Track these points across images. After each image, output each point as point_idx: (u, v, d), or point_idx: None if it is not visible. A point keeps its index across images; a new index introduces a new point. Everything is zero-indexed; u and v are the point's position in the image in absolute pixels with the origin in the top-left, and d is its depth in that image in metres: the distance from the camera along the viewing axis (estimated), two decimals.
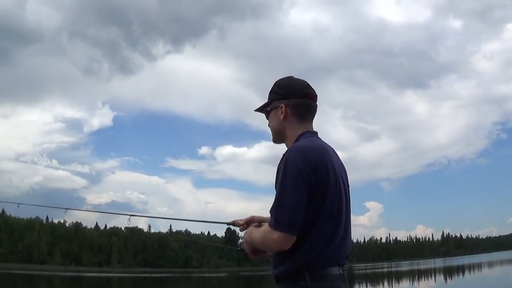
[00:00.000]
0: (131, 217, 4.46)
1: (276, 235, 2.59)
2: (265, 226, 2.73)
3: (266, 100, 3.02)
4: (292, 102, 2.87)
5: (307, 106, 2.91)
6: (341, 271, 2.72)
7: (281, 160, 2.73)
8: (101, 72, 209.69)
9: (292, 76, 3.00)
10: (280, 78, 3.02)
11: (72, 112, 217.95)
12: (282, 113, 2.88)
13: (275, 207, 2.63)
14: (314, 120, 2.97)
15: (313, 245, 2.63)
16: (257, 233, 2.82)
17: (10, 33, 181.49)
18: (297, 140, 2.82)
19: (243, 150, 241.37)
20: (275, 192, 2.69)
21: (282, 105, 2.88)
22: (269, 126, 3.02)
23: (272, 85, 3.01)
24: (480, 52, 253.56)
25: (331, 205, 2.66)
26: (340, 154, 2.94)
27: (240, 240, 3.27)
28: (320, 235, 2.64)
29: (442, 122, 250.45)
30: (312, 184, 2.60)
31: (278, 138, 2.99)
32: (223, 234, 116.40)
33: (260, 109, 3.05)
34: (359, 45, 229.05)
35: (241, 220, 3.23)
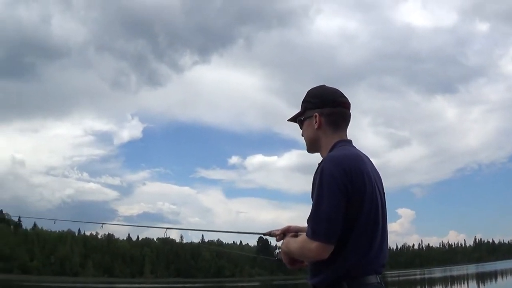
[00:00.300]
0: (167, 230, 4.65)
1: (314, 244, 2.61)
2: (303, 236, 2.74)
3: (296, 108, 3.05)
4: (325, 111, 2.88)
5: (341, 114, 2.92)
6: (378, 279, 2.72)
7: (316, 170, 2.73)
8: (129, 85, 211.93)
9: (324, 85, 3.03)
10: (312, 87, 3.02)
11: (101, 125, 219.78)
12: (316, 122, 2.88)
13: (312, 217, 2.65)
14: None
15: (351, 254, 2.63)
16: (294, 243, 2.84)
17: (37, 49, 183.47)
18: (331, 149, 2.84)
19: (273, 158, 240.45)
20: (311, 201, 2.71)
21: (316, 114, 2.89)
22: (302, 135, 3.03)
23: (305, 95, 3.02)
24: (508, 55, 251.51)
25: (368, 214, 2.67)
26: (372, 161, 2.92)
27: (277, 250, 3.14)
28: (357, 244, 2.64)
29: (472, 126, 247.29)
30: (349, 193, 2.61)
31: (312, 147, 3.00)
32: (255, 244, 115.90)
33: (293, 119, 3.06)
34: (387, 50, 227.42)
35: (277, 230, 3.21)
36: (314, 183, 2.70)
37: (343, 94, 2.95)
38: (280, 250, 3.03)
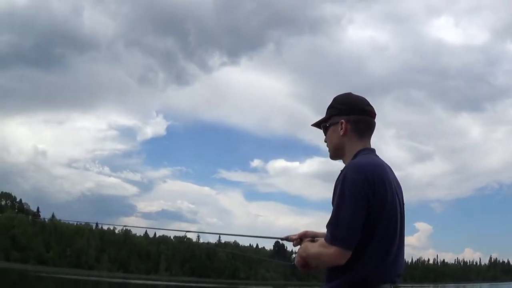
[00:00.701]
0: (187, 233, 4.08)
1: (332, 250, 2.62)
2: (321, 241, 2.75)
3: (322, 116, 3.05)
4: (352, 118, 2.88)
5: (367, 123, 2.92)
6: None
7: (338, 177, 2.74)
8: (156, 82, 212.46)
9: (351, 93, 3.04)
10: (339, 94, 3.04)
11: (125, 120, 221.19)
12: (342, 129, 2.89)
13: (332, 222, 2.67)
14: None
15: (368, 261, 2.64)
16: (312, 248, 2.84)
17: (67, 40, 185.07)
18: (355, 156, 2.84)
19: (295, 164, 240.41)
20: (330, 208, 2.74)
21: (343, 121, 2.88)
22: (325, 141, 3.04)
23: (331, 101, 3.03)
24: None
25: (387, 223, 2.69)
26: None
27: (294, 255, 3.06)
28: (375, 252, 2.65)
29: (496, 146, 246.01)
30: (370, 201, 2.63)
31: (336, 154, 3.00)
32: (271, 248, 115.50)
33: (317, 124, 3.06)
34: (416, 64, 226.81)
35: (294, 235, 3.20)
36: (336, 189, 2.71)
37: (369, 103, 2.95)
38: (297, 254, 2.98)
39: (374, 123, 2.96)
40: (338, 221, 2.60)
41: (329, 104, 3.00)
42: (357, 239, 2.59)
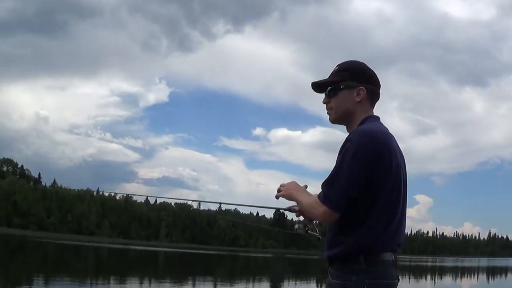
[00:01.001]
0: (180, 195, 4.16)
1: (322, 209, 2.64)
2: (314, 197, 2.73)
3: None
4: (370, 88, 2.86)
5: (377, 95, 2.92)
6: (393, 258, 2.71)
7: (344, 142, 2.69)
8: (160, 48, 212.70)
9: (364, 63, 2.96)
10: (354, 60, 2.97)
11: (128, 87, 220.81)
12: (359, 95, 2.83)
13: (328, 182, 2.66)
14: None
15: (371, 229, 2.62)
16: (306, 199, 2.82)
17: (70, 6, 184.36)
18: (361, 123, 2.81)
19: (297, 133, 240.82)
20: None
21: (363, 87, 2.83)
22: (327, 103, 2.93)
23: (344, 65, 2.93)
24: None
25: (391, 191, 2.66)
26: None
27: (296, 226, 3.07)
28: (378, 219, 2.63)
29: (499, 121, 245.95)
30: (374, 168, 2.60)
31: (342, 119, 2.92)
32: (272, 216, 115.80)
33: (326, 83, 2.92)
34: (421, 37, 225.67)
35: (297, 206, 3.05)
36: (340, 153, 2.67)
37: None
38: (298, 225, 3.04)
39: (380, 95, 2.98)
40: (334, 182, 2.61)
41: (340, 67, 2.92)
42: (349, 203, 2.59)
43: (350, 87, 2.84)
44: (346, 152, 2.61)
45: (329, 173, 2.68)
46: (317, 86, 2.96)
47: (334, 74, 2.90)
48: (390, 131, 2.82)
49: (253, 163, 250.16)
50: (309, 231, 3.02)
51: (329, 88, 2.89)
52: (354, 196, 2.58)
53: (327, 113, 2.95)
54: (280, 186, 3.00)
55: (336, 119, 2.92)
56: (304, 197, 2.85)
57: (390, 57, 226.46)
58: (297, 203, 2.93)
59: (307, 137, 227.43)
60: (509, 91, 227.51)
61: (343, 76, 2.86)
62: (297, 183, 3.00)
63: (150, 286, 21.84)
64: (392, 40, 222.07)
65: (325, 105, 2.95)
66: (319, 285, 26.80)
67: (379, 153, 2.60)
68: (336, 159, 2.69)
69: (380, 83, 2.93)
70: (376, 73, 2.94)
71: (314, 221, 3.02)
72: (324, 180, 2.68)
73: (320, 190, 2.69)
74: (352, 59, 2.98)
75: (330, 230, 2.77)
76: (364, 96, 2.83)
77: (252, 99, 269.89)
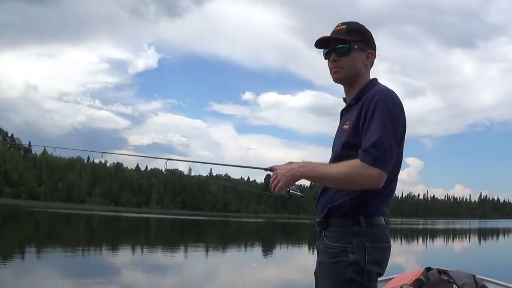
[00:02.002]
0: (169, 161, 4.44)
1: (375, 171, 2.50)
2: (354, 161, 2.55)
3: (316, 49, 2.89)
4: (375, 53, 2.87)
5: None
6: (384, 221, 2.72)
7: (367, 101, 2.63)
8: (148, 14, 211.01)
9: None
10: (359, 23, 2.91)
11: (117, 53, 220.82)
12: (368, 59, 2.84)
13: (374, 144, 2.52)
14: None
15: (372, 191, 2.58)
16: (339, 168, 2.59)
17: None
18: (367, 85, 2.78)
19: (287, 97, 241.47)
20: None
21: (372, 51, 2.85)
22: (334, 60, 2.81)
23: (355, 26, 2.86)
24: None
25: (401, 151, 2.70)
26: None
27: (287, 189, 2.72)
28: (387, 180, 2.57)
29: (488, 83, 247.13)
30: (400, 126, 2.62)
31: (349, 78, 2.83)
32: (263, 180, 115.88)
33: (343, 41, 2.79)
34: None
35: (279, 166, 2.79)
36: (367, 113, 2.59)
37: None
38: (290, 188, 2.70)
39: None
40: (381, 143, 2.51)
41: (350, 27, 2.83)
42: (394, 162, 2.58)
43: (361, 49, 2.81)
44: (380, 111, 2.57)
45: (350, 135, 2.64)
46: (324, 41, 2.85)
47: (343, 33, 2.81)
48: None
49: (243, 127, 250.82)
50: (290, 191, 2.73)
51: (340, 46, 2.81)
52: (396, 153, 2.59)
53: (334, 70, 2.83)
54: (274, 175, 2.69)
55: (343, 78, 2.85)
56: (333, 167, 2.64)
57: (379, 20, 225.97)
58: (321, 180, 2.68)
59: (296, 101, 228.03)
60: (498, 53, 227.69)
61: (355, 36, 2.81)
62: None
63: (142, 253, 21.93)
64: (381, 2, 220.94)
65: (326, 61, 2.87)
66: (311, 249, 27.00)
67: (403, 112, 2.64)
68: (360, 118, 2.62)
69: None
70: None
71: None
72: (364, 139, 2.56)
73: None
74: (354, 20, 2.91)
75: (323, 193, 2.75)
76: (371, 61, 2.85)
77: (241, 63, 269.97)
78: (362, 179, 2.52)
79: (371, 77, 2.86)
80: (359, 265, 2.55)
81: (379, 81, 2.82)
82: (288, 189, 2.72)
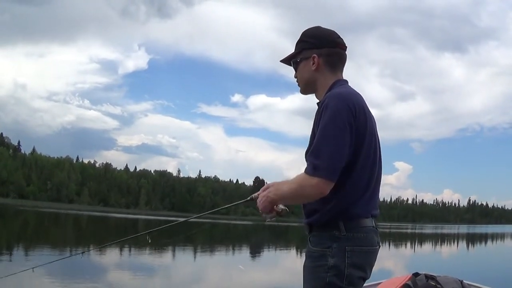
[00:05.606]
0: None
1: (315, 180, 2.50)
2: (299, 175, 2.59)
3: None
4: (324, 51, 2.80)
5: (339, 55, 2.85)
6: (374, 223, 2.69)
7: (319, 108, 2.64)
8: (138, 15, 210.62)
9: (320, 26, 2.93)
10: (309, 28, 2.91)
11: (107, 53, 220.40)
12: (314, 63, 2.80)
13: (314, 152, 2.54)
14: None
15: (349, 194, 2.60)
16: (286, 185, 2.65)
17: None
18: (330, 88, 2.76)
19: (276, 100, 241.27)
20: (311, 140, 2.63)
21: (314, 55, 2.79)
22: (296, 77, 2.92)
23: (300, 35, 2.91)
24: None
25: (367, 153, 2.64)
26: (374, 112, 2.82)
27: (264, 215, 2.76)
28: (355, 184, 2.61)
29: (478, 88, 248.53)
30: (352, 130, 2.55)
31: (307, 89, 2.91)
32: (251, 184, 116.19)
33: (287, 60, 2.93)
34: (401, 3, 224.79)
35: (258, 193, 2.84)
36: (316, 120, 2.62)
37: (339, 36, 2.87)
38: (265, 215, 2.74)
39: (346, 55, 2.89)
40: (320, 151, 2.51)
41: (299, 39, 2.89)
42: (340, 169, 2.52)
43: (305, 57, 2.82)
44: (323, 118, 2.55)
45: (310, 143, 2.62)
46: (286, 63, 2.95)
47: (296, 46, 2.90)
48: (370, 98, 2.85)
49: (232, 130, 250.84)
50: (278, 210, 2.71)
51: (292, 63, 2.91)
52: (343, 160, 2.52)
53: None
54: (258, 205, 2.73)
55: (302, 91, 2.94)
56: (285, 184, 2.68)
57: (369, 23, 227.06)
58: (283, 198, 2.67)
59: (286, 104, 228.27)
60: (488, 57, 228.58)
61: (299, 47, 2.87)
62: (270, 184, 2.78)
63: (130, 254, 21.84)
64: (372, 5, 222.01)
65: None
66: (298, 252, 27.01)
67: (354, 114, 2.56)
68: (312, 126, 2.66)
69: (343, 41, 2.85)
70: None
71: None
72: (307, 151, 2.60)
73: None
74: (330, 27, 2.91)
75: None
76: (319, 63, 2.79)
77: (230, 65, 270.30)
78: (305, 190, 2.54)
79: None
80: (339, 268, 2.55)
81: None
82: (274, 212, 2.72)
